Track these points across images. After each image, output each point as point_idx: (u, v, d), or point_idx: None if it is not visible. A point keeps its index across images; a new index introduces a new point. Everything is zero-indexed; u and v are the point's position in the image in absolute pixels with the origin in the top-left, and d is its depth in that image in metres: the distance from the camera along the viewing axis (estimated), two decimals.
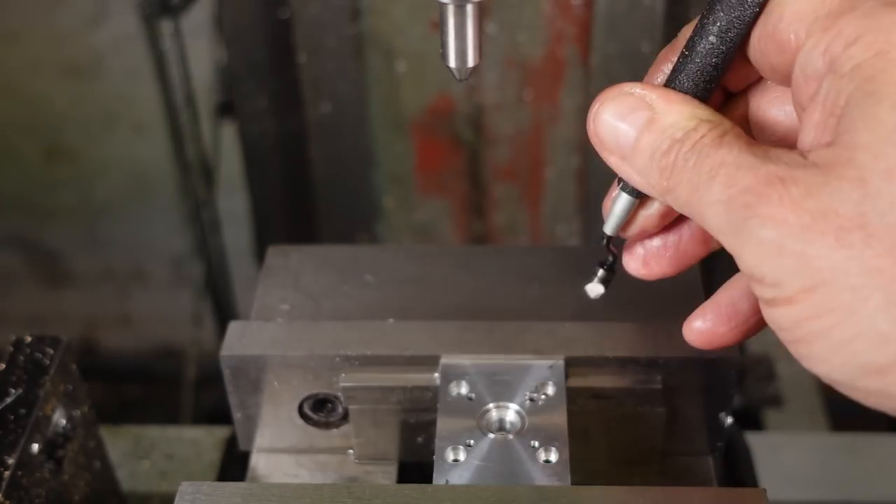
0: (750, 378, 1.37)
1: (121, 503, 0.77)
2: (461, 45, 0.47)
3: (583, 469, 0.60)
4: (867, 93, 0.43)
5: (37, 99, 1.81)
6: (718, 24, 0.49)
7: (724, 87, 0.53)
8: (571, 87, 1.29)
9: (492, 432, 0.61)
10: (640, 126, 0.48)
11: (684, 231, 0.55)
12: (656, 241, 0.55)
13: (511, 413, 0.62)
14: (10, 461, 0.61)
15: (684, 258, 0.55)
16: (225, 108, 1.49)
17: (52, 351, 0.67)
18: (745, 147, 0.46)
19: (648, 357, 0.65)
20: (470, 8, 0.46)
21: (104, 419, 0.75)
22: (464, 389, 0.63)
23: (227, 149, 1.53)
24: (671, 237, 0.55)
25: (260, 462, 0.71)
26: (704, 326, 0.54)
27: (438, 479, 0.58)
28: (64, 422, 0.67)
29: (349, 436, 0.69)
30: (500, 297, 0.72)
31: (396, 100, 1.33)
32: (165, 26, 1.36)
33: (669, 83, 0.51)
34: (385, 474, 0.70)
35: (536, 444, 0.60)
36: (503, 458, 0.59)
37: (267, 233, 1.49)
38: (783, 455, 0.97)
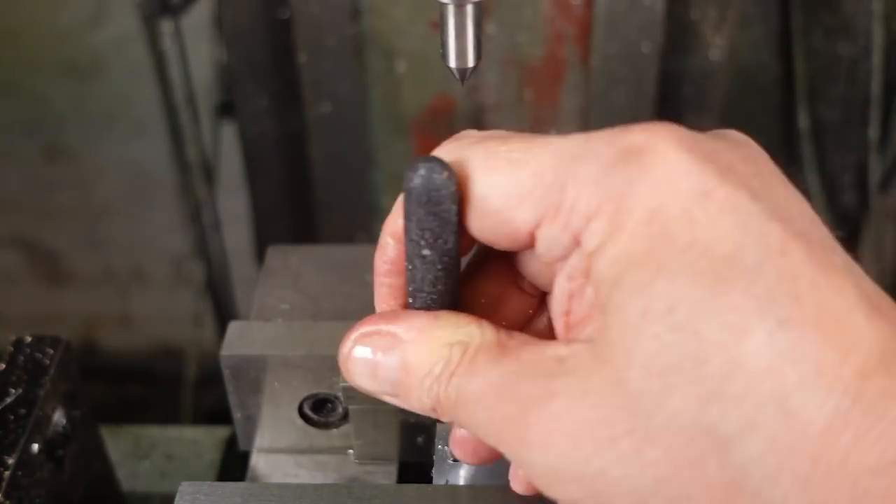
0: None
1: (121, 503, 0.77)
2: (461, 45, 0.47)
3: None
4: (613, 281, 0.39)
5: (37, 99, 1.81)
6: (424, 238, 0.44)
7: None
8: (571, 88, 1.29)
9: None
10: (397, 369, 0.45)
11: None
12: None
13: None
14: (10, 461, 0.61)
15: None
16: (225, 108, 1.49)
17: (52, 351, 0.67)
18: (498, 364, 0.42)
19: None
20: (470, 8, 0.46)
21: (104, 419, 0.75)
22: None
23: (227, 149, 1.53)
24: None
25: (260, 462, 0.71)
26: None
27: (438, 479, 0.58)
28: (64, 422, 0.67)
29: (349, 436, 0.69)
30: None
31: (396, 100, 1.32)
32: (165, 26, 1.35)
33: (411, 302, 0.47)
34: (385, 474, 0.70)
35: None
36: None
37: (267, 233, 1.49)
38: None
